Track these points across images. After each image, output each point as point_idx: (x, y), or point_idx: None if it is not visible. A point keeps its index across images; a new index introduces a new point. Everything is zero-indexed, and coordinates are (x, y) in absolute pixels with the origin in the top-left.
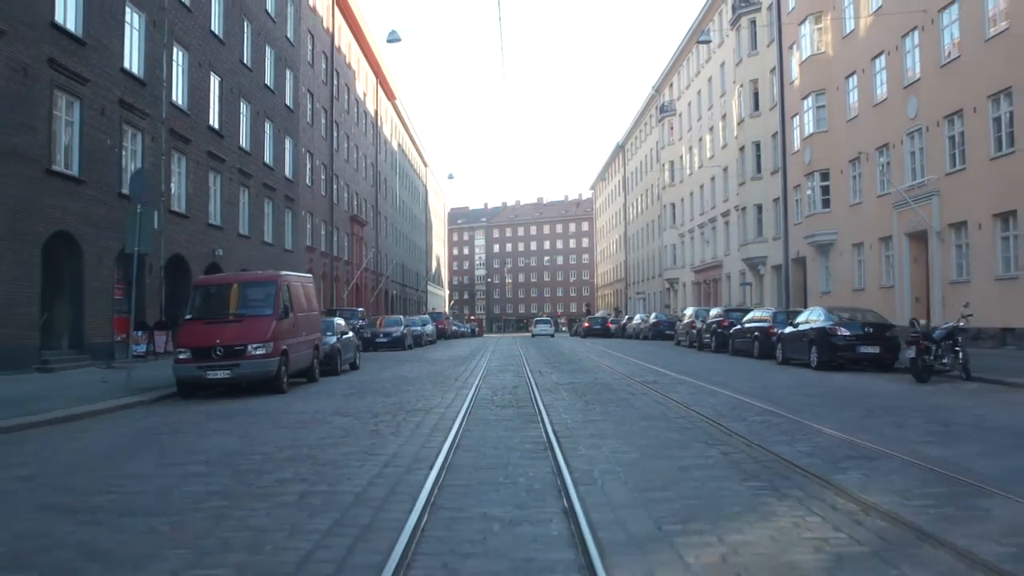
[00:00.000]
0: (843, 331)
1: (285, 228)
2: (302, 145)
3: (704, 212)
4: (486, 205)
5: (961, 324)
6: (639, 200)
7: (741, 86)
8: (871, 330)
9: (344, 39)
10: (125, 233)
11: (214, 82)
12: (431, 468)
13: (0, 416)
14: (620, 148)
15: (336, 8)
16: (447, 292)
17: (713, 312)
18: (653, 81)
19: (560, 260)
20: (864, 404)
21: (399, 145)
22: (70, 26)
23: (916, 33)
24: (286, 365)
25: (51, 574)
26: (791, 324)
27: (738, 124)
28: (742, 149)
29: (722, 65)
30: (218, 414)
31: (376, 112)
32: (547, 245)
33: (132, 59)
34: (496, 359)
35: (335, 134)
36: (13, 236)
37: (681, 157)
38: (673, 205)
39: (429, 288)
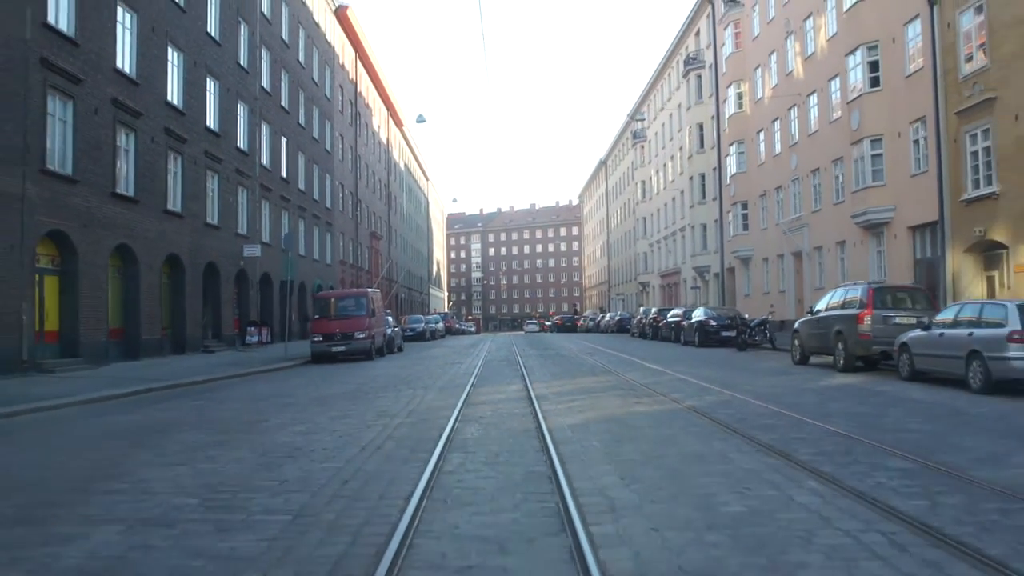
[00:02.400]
0: (712, 322)
1: (326, 247)
2: (337, 179)
3: (667, 227)
4: (481, 210)
5: (768, 317)
6: (619, 211)
7: (691, 127)
8: (729, 321)
9: (363, 84)
10: (282, 266)
11: (283, 140)
12: (473, 374)
13: (235, 370)
14: (603, 164)
15: (359, 63)
16: (446, 294)
17: (653, 311)
18: (634, 100)
19: (552, 263)
20: (704, 359)
21: (405, 165)
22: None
23: (795, 109)
24: (373, 344)
25: (296, 410)
26: (685, 319)
27: (688, 158)
28: (691, 178)
29: (679, 106)
30: (342, 369)
31: (387, 139)
32: (539, 248)
33: (212, 117)
34: (495, 345)
35: (358, 166)
36: (192, 267)
37: (651, 178)
38: (644, 219)
39: (431, 291)
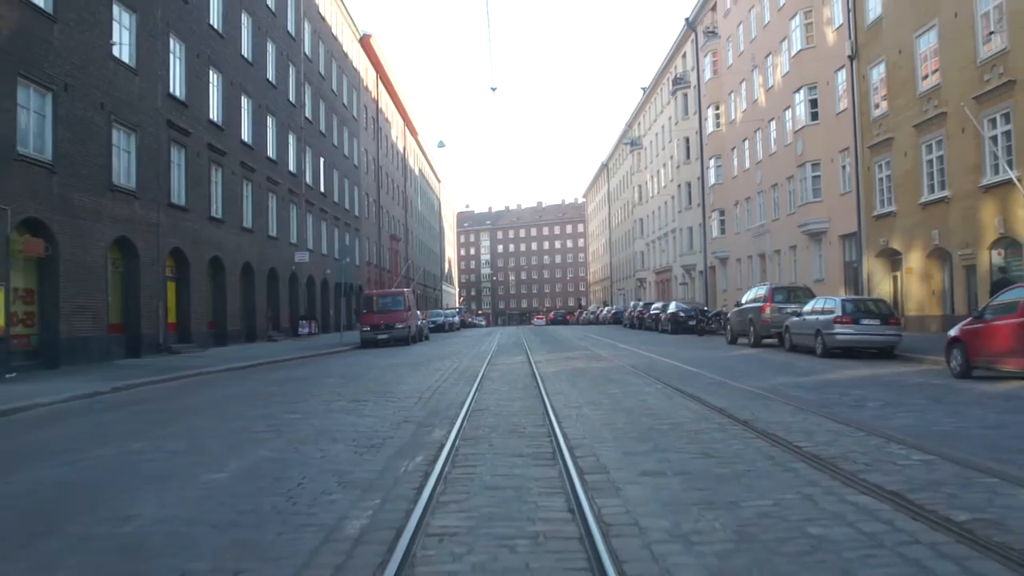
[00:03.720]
0: (681, 314)
1: (355, 251)
2: (363, 189)
3: (660, 228)
4: (490, 209)
5: (722, 309)
6: (619, 212)
7: (678, 140)
8: (694, 311)
9: (384, 101)
10: (339, 271)
11: (321, 160)
12: (491, 352)
13: (307, 352)
14: (604, 166)
15: (379, 82)
16: (457, 290)
17: (640, 305)
18: (633, 107)
19: (558, 259)
20: (665, 341)
21: (420, 170)
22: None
23: (760, 132)
24: (410, 333)
25: (379, 371)
26: (660, 311)
27: (676, 168)
28: (679, 186)
29: (669, 119)
30: (391, 351)
31: (404, 148)
32: (546, 245)
33: (271, 148)
34: (506, 334)
35: (380, 175)
36: (259, 272)
37: (646, 182)
38: (641, 220)
39: (443, 287)
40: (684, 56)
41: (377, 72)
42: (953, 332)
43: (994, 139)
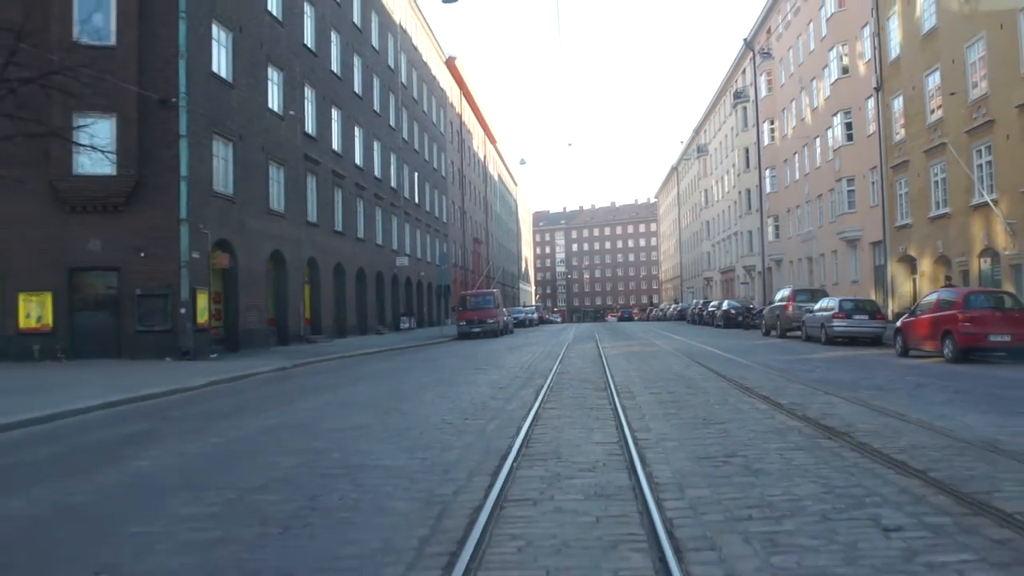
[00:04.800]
0: (732, 311)
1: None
2: (450, 198)
3: (725, 230)
4: (565, 208)
5: (752, 306)
6: (688, 213)
7: (738, 149)
8: (743, 308)
9: (467, 115)
10: (437, 275)
11: (416, 175)
12: (568, 341)
13: (418, 342)
14: (675, 169)
15: (462, 98)
16: (533, 287)
17: (699, 303)
18: (698, 116)
19: (632, 257)
20: (713, 334)
21: (499, 176)
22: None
23: (807, 148)
24: (499, 327)
25: (485, 354)
26: (716, 308)
27: (737, 175)
28: (740, 192)
29: (731, 129)
30: (485, 342)
31: (484, 156)
32: (620, 244)
33: (377, 168)
34: (580, 329)
35: (463, 184)
36: (370, 275)
37: (712, 187)
38: (708, 223)
39: (520, 285)
40: (744, 72)
41: (460, 88)
42: (897, 324)
43: (980, 166)
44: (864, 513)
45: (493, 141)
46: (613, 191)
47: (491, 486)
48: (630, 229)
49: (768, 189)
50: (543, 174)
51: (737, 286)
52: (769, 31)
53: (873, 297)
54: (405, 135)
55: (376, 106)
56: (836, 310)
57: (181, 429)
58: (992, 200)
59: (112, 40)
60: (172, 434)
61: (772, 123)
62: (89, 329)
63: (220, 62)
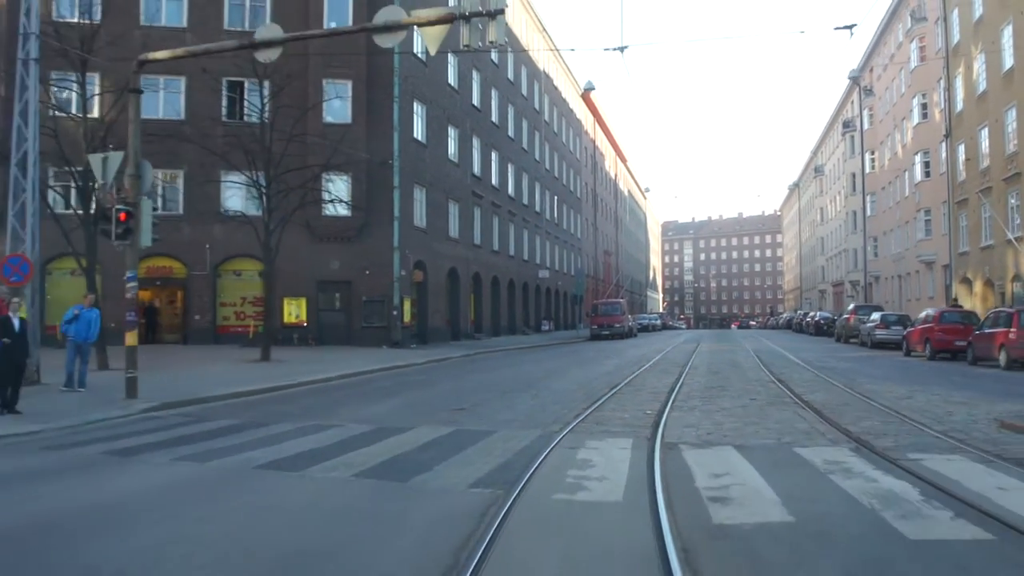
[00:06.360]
0: (822, 321)
1: (576, 265)
2: (583, 216)
3: (836, 247)
4: (693, 218)
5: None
6: (807, 228)
7: (846, 174)
8: (831, 318)
9: (599, 139)
10: (574, 286)
11: (555, 199)
12: (678, 341)
13: (558, 340)
14: (796, 186)
15: (596, 125)
16: (661, 295)
17: (801, 313)
18: (816, 136)
19: (757, 267)
20: (800, 339)
21: (628, 192)
22: None
23: (898, 179)
24: (625, 331)
25: (622, 348)
26: (820, 319)
27: (845, 198)
28: (847, 214)
29: (843, 154)
30: (615, 343)
31: (615, 175)
32: (746, 254)
33: (512, 189)
34: (694, 335)
35: (596, 202)
36: (517, 285)
37: (826, 206)
38: (822, 239)
39: (648, 293)
40: (852, 103)
41: (594, 116)
42: (904, 333)
43: (1011, 208)
44: (768, 390)
45: (624, 160)
46: (740, 202)
47: (612, 390)
48: (756, 240)
49: (869, 212)
50: (674, 185)
51: (844, 299)
52: (871, 70)
53: None
54: (547, 165)
55: (524, 144)
56: (877, 322)
57: (443, 377)
58: (1015, 239)
59: (349, 119)
60: (441, 380)
61: (872, 153)
62: (330, 324)
63: (418, 129)
